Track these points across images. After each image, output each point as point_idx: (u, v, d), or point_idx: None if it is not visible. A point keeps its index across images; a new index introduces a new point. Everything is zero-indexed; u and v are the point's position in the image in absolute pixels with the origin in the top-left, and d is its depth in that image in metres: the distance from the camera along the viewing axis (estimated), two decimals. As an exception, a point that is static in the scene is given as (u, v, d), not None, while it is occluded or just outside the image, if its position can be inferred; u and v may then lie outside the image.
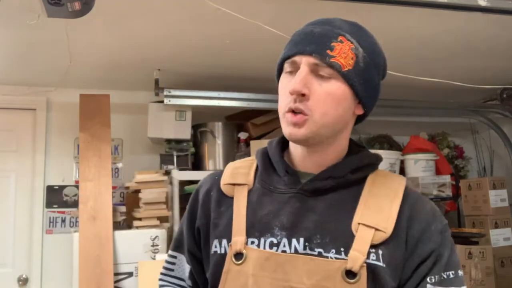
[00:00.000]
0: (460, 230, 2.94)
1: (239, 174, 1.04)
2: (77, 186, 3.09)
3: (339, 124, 0.97)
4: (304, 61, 0.92)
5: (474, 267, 2.60)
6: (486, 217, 3.08)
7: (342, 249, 0.88)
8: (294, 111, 0.92)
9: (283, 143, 1.05)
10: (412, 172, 3.22)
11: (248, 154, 2.86)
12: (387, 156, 3.16)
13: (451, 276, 0.90)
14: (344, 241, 0.89)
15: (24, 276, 3.15)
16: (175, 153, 3.08)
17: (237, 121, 3.25)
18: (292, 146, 1.03)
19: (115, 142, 3.31)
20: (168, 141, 3.10)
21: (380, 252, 0.88)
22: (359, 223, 0.90)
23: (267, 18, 1.97)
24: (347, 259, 0.87)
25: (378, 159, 1.03)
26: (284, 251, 0.91)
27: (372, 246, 0.88)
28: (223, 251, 0.97)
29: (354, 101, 0.97)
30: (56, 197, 3.24)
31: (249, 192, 1.01)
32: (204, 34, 2.29)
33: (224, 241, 0.97)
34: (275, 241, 0.93)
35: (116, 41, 2.43)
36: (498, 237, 3.04)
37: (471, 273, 2.59)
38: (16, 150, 3.26)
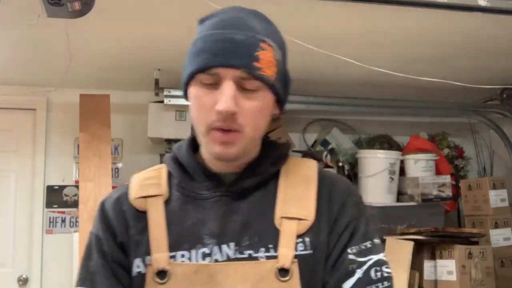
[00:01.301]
0: (460, 230, 2.94)
1: (149, 185, 0.96)
2: (77, 186, 3.08)
3: (264, 131, 0.94)
4: (230, 76, 0.85)
5: (474, 267, 2.60)
6: (486, 217, 3.08)
7: (270, 246, 0.87)
8: (222, 129, 0.86)
9: (193, 145, 0.98)
10: (412, 172, 3.22)
11: (248, 154, 2.86)
12: (387, 156, 3.16)
13: (369, 246, 0.92)
14: (271, 238, 0.88)
15: (24, 276, 3.15)
16: (175, 153, 3.07)
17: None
18: (203, 148, 0.95)
19: (115, 142, 3.31)
20: (168, 141, 3.10)
21: (307, 239, 0.88)
22: (281, 217, 0.89)
23: (267, 18, 1.96)
24: (277, 255, 0.86)
25: (290, 148, 1.00)
26: (217, 260, 0.87)
27: (298, 236, 0.88)
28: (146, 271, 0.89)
29: (275, 103, 0.93)
30: (56, 197, 3.24)
31: (167, 202, 0.93)
32: (204, 34, 2.29)
33: (148, 258, 0.89)
34: (207, 251, 0.88)
35: (116, 41, 2.43)
36: (498, 237, 3.04)
37: (471, 273, 2.59)
38: (16, 150, 3.26)
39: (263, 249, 0.87)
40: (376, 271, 0.90)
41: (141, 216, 0.93)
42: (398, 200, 3.23)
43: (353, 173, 3.29)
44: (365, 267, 0.89)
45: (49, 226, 3.21)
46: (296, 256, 0.86)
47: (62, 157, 3.26)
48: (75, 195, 3.19)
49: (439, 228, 2.81)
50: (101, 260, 0.92)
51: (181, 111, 3.04)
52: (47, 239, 3.19)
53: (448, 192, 3.13)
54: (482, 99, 3.49)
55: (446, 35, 2.34)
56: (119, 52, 2.60)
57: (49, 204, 3.22)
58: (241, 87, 0.86)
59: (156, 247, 0.89)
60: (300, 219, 0.89)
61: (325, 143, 3.47)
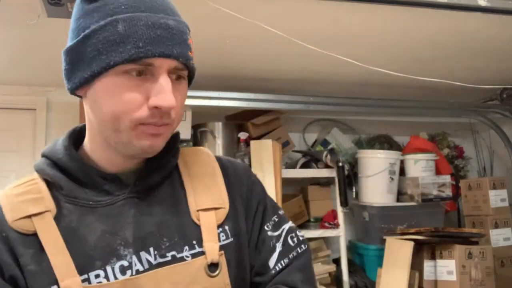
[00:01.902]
0: (460, 230, 2.94)
1: (26, 202, 0.79)
2: (77, 186, 3.08)
3: None
4: (166, 66, 0.75)
5: (474, 267, 2.60)
6: (486, 217, 3.08)
7: (194, 242, 0.81)
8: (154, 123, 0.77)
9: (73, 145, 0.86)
10: (412, 172, 3.22)
11: (248, 154, 2.86)
12: (387, 156, 3.16)
13: (278, 218, 0.93)
14: (193, 233, 0.82)
15: (24, 276, 3.15)
16: (175, 153, 3.08)
17: (237, 121, 3.25)
18: (97, 146, 0.84)
19: (115, 142, 3.31)
20: (168, 141, 3.10)
21: (226, 227, 0.85)
22: (198, 210, 0.84)
23: (267, 18, 1.97)
24: (203, 251, 0.81)
25: (179, 138, 0.93)
26: (137, 271, 0.77)
27: (218, 226, 0.84)
28: None
29: None
30: (56, 197, 3.24)
31: (57, 218, 0.78)
32: (204, 34, 2.29)
33: None
34: (125, 263, 0.77)
35: (116, 41, 2.43)
36: (498, 237, 3.04)
37: (471, 273, 2.59)
38: (16, 150, 3.26)
39: (186, 247, 0.81)
40: (291, 237, 0.92)
41: (30, 240, 0.76)
42: (398, 200, 3.23)
43: (353, 173, 3.30)
44: (282, 239, 0.90)
45: (49, 226, 3.21)
46: (220, 248, 0.82)
47: (62, 157, 3.26)
48: (75, 195, 3.19)
49: (439, 228, 2.82)
50: None
51: (181, 111, 3.04)
52: (47, 239, 3.19)
53: (448, 192, 3.14)
54: (482, 99, 3.49)
55: (446, 35, 2.34)
56: (119, 52, 2.60)
57: (49, 204, 3.22)
58: (171, 77, 0.78)
59: (63, 273, 0.74)
60: (216, 208, 0.85)
61: (325, 143, 3.47)
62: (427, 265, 2.69)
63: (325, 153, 2.96)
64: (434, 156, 3.28)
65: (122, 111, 0.76)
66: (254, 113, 3.16)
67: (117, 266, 0.76)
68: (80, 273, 0.75)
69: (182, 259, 0.80)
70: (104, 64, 0.74)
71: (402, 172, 3.27)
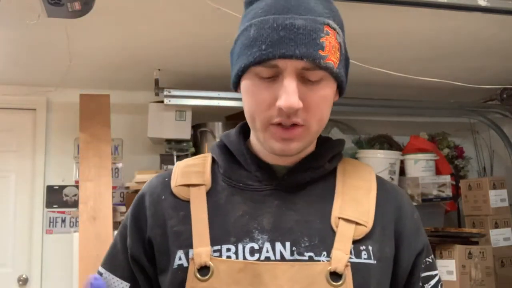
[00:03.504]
0: (460, 230, 2.94)
1: (192, 173, 0.89)
2: (77, 186, 3.08)
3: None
4: (292, 67, 0.75)
5: (474, 267, 2.60)
6: (486, 217, 3.08)
7: (332, 249, 0.80)
8: (282, 125, 0.78)
9: (244, 133, 0.92)
10: (412, 172, 3.22)
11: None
12: (387, 156, 3.16)
13: (431, 261, 0.91)
14: (332, 240, 0.81)
15: (24, 276, 3.15)
16: (175, 153, 3.08)
17: (237, 121, 3.24)
18: (253, 138, 0.89)
19: (115, 142, 3.31)
20: (168, 141, 3.10)
21: (370, 248, 0.82)
22: (339, 218, 0.82)
23: (267, 18, 1.96)
24: (329, 260, 0.79)
25: (344, 146, 0.95)
26: (268, 258, 0.79)
27: (356, 242, 0.81)
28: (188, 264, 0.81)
29: (336, 90, 0.85)
30: (56, 197, 3.24)
31: (210, 192, 0.86)
32: (204, 34, 2.29)
33: (191, 252, 0.81)
34: (256, 246, 0.80)
35: (116, 41, 2.43)
36: (498, 237, 3.04)
37: (471, 273, 2.59)
38: (16, 150, 3.26)
39: (325, 252, 0.80)
40: (441, 286, 0.92)
41: (183, 205, 0.86)
42: (398, 200, 3.22)
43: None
44: (433, 282, 0.90)
45: (49, 226, 3.21)
46: (359, 264, 0.80)
47: (62, 157, 3.26)
48: (75, 195, 3.19)
49: (439, 228, 2.81)
50: (122, 248, 0.91)
51: (181, 111, 3.04)
52: (47, 239, 3.19)
53: (448, 192, 3.14)
54: (482, 99, 3.49)
55: (447, 35, 2.34)
56: (119, 52, 2.60)
57: (49, 204, 3.22)
58: (303, 78, 0.77)
59: (199, 241, 0.81)
60: (358, 223, 0.82)
61: (325, 143, 3.46)
62: (427, 265, 2.68)
63: (325, 153, 2.96)
64: (434, 156, 3.28)
65: (255, 111, 0.80)
66: (254, 113, 3.16)
67: (247, 246, 0.80)
68: (215, 244, 0.80)
69: (317, 262, 0.79)
70: (239, 67, 0.80)
71: (402, 172, 3.27)
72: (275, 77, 0.77)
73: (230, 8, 1.85)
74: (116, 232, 0.96)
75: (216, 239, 0.81)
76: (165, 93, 2.89)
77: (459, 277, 2.56)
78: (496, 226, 3.06)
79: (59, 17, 1.74)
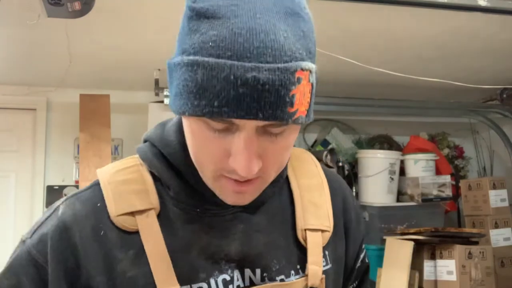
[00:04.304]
0: (460, 230, 2.93)
1: (131, 193, 0.70)
2: (77, 186, 3.08)
3: None
4: (251, 126, 0.60)
5: (474, 267, 2.60)
6: (486, 217, 3.08)
7: (298, 266, 0.75)
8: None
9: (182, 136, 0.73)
10: (412, 172, 3.22)
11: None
12: (387, 156, 3.16)
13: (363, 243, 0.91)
14: (298, 257, 0.75)
15: (24, 276, 3.15)
16: (175, 153, 3.08)
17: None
18: None
19: (115, 142, 3.31)
20: (168, 141, 3.10)
21: (327, 252, 0.78)
22: (305, 229, 0.75)
23: (267, 18, 1.96)
24: (304, 276, 0.74)
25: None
26: (238, 287, 0.71)
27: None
28: None
29: None
30: (56, 197, 3.23)
31: (161, 219, 0.70)
32: (204, 34, 2.29)
33: None
34: (227, 277, 0.70)
35: (116, 41, 2.43)
36: (498, 237, 3.04)
37: (471, 273, 2.59)
38: (16, 150, 3.26)
39: (293, 271, 0.74)
40: (365, 256, 0.91)
41: (130, 239, 0.68)
42: (398, 200, 3.23)
43: (353, 173, 3.29)
44: (362, 255, 0.90)
45: (49, 226, 3.21)
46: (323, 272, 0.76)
47: (62, 157, 3.26)
48: (75, 195, 3.19)
49: (439, 228, 2.81)
50: None
51: (181, 111, 3.04)
52: (47, 239, 3.19)
53: (448, 192, 3.14)
54: (482, 99, 3.50)
55: (446, 35, 2.34)
56: (119, 52, 2.60)
57: (49, 204, 3.22)
58: (264, 130, 0.62)
59: (163, 281, 0.67)
60: (322, 230, 0.77)
61: (325, 143, 3.47)
62: (427, 265, 2.68)
63: (325, 153, 2.96)
64: (434, 156, 3.28)
65: (203, 160, 0.66)
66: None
67: (220, 280, 0.70)
68: (182, 283, 0.68)
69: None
70: (181, 110, 0.62)
71: (402, 172, 3.27)
72: (228, 129, 0.62)
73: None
74: None
75: (183, 278, 0.68)
76: (165, 93, 2.89)
77: (459, 277, 2.56)
78: (496, 226, 3.06)
79: (59, 17, 1.73)
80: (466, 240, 2.72)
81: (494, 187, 3.11)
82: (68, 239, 0.68)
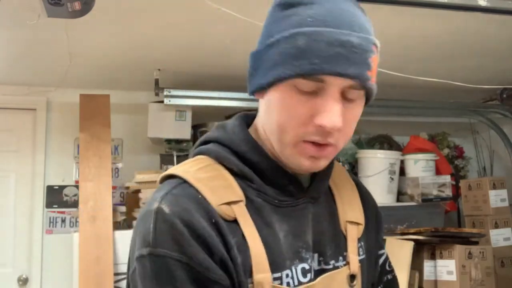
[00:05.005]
0: (460, 230, 2.93)
1: (221, 187, 0.76)
2: (77, 186, 3.08)
3: None
4: (339, 85, 0.71)
5: (474, 267, 2.60)
6: (486, 217, 3.08)
7: (345, 253, 0.84)
8: (315, 143, 0.74)
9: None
10: (412, 172, 3.22)
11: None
12: (387, 156, 3.16)
13: (384, 239, 1.03)
14: (343, 245, 0.84)
15: (24, 276, 3.15)
16: (175, 153, 3.08)
17: (237, 121, 3.25)
18: (269, 141, 0.80)
19: (115, 142, 3.31)
20: (168, 141, 3.10)
21: (362, 243, 0.89)
22: (346, 221, 0.86)
23: (267, 18, 1.96)
24: (346, 263, 0.84)
25: None
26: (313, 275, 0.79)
27: (358, 241, 0.88)
28: None
29: None
30: (56, 197, 3.24)
31: (248, 210, 0.76)
32: (204, 34, 2.29)
33: (250, 280, 0.73)
34: (306, 266, 0.77)
35: (116, 41, 2.43)
36: (498, 237, 3.04)
37: (471, 273, 2.59)
38: (16, 150, 3.26)
39: (341, 257, 0.83)
40: (389, 263, 0.99)
41: (232, 227, 0.73)
42: (398, 200, 3.23)
43: (353, 173, 3.29)
44: (381, 260, 0.97)
45: (49, 226, 3.21)
46: (360, 261, 0.86)
47: (62, 157, 3.26)
48: (75, 195, 3.18)
49: (439, 228, 2.81)
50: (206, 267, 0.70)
51: (181, 111, 3.04)
52: (47, 239, 3.19)
53: (448, 192, 3.13)
54: (482, 99, 3.49)
55: (446, 35, 2.34)
56: (119, 52, 2.60)
57: (49, 204, 3.22)
58: (343, 96, 0.73)
59: (258, 266, 0.72)
60: (358, 223, 0.88)
61: (325, 143, 3.46)
62: (427, 265, 2.68)
63: (325, 153, 2.96)
64: (434, 156, 3.28)
65: (287, 124, 0.74)
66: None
67: (299, 268, 0.76)
68: (274, 270, 0.74)
69: (337, 268, 0.82)
70: (277, 76, 0.72)
71: (402, 172, 3.27)
72: (315, 92, 0.72)
73: (230, 8, 1.84)
74: None
75: (275, 264, 0.74)
76: (165, 93, 2.89)
77: (459, 277, 2.56)
78: (496, 226, 3.06)
79: (59, 17, 1.73)
80: (466, 240, 2.72)
81: (494, 187, 3.11)
82: (193, 231, 0.70)
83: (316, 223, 0.81)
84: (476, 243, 2.73)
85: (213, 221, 0.72)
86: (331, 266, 0.81)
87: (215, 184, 0.76)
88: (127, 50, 2.56)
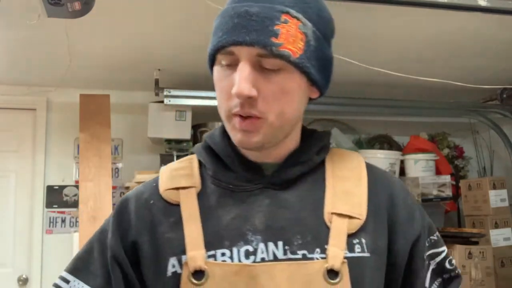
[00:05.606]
0: (460, 230, 2.94)
1: (180, 176, 0.87)
2: (77, 186, 3.08)
3: (296, 118, 0.83)
4: (245, 54, 0.75)
5: (474, 267, 2.60)
6: (486, 217, 3.08)
7: (326, 246, 0.79)
8: (241, 116, 0.78)
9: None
10: (412, 172, 3.22)
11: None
12: (387, 156, 3.16)
13: (436, 238, 0.91)
14: (326, 236, 0.79)
15: (24, 276, 3.15)
16: (175, 153, 3.08)
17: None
18: None
19: (115, 142, 3.31)
20: (168, 141, 3.10)
21: (363, 240, 0.81)
22: (332, 213, 0.81)
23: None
24: (325, 257, 0.78)
25: (329, 137, 0.93)
26: (263, 259, 0.78)
27: (350, 235, 0.80)
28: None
29: (308, 85, 0.82)
30: (56, 197, 3.24)
31: (200, 195, 0.84)
32: (204, 34, 2.29)
33: (184, 257, 0.79)
34: (251, 248, 0.78)
35: (116, 41, 2.43)
36: (498, 237, 3.04)
37: (471, 273, 2.59)
38: (16, 150, 3.26)
39: (318, 249, 0.79)
40: (449, 261, 0.91)
41: (173, 209, 0.83)
42: (398, 200, 3.22)
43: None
44: (439, 259, 0.90)
45: (49, 226, 3.21)
46: (352, 258, 0.79)
47: (62, 157, 3.26)
48: (75, 195, 3.19)
49: (439, 228, 2.81)
50: (99, 255, 0.86)
51: (181, 111, 3.04)
52: (47, 239, 3.19)
53: (448, 192, 3.13)
54: (482, 99, 3.49)
55: (446, 35, 2.34)
56: (119, 52, 2.60)
57: (49, 204, 3.22)
58: (261, 67, 0.76)
59: (192, 245, 0.79)
60: (351, 217, 0.81)
61: (325, 143, 3.46)
62: (427, 265, 2.68)
63: (325, 153, 2.96)
64: (434, 156, 3.28)
65: (219, 100, 0.82)
66: (254, 113, 3.16)
67: (242, 250, 0.78)
68: (209, 248, 0.79)
69: (311, 260, 0.78)
70: (208, 53, 0.82)
71: (402, 172, 3.27)
72: (233, 65, 0.77)
73: (230, 8, 1.84)
74: (91, 238, 0.91)
75: (210, 243, 0.79)
76: (165, 93, 2.89)
77: (459, 277, 2.56)
78: (496, 226, 3.06)
79: (59, 17, 1.73)
80: (466, 240, 2.72)
81: (494, 187, 3.12)
82: (125, 207, 0.87)
83: (276, 209, 0.81)
84: (476, 243, 2.73)
85: (151, 202, 0.86)
86: (299, 256, 0.78)
87: (177, 173, 0.87)
88: (127, 50, 2.56)
